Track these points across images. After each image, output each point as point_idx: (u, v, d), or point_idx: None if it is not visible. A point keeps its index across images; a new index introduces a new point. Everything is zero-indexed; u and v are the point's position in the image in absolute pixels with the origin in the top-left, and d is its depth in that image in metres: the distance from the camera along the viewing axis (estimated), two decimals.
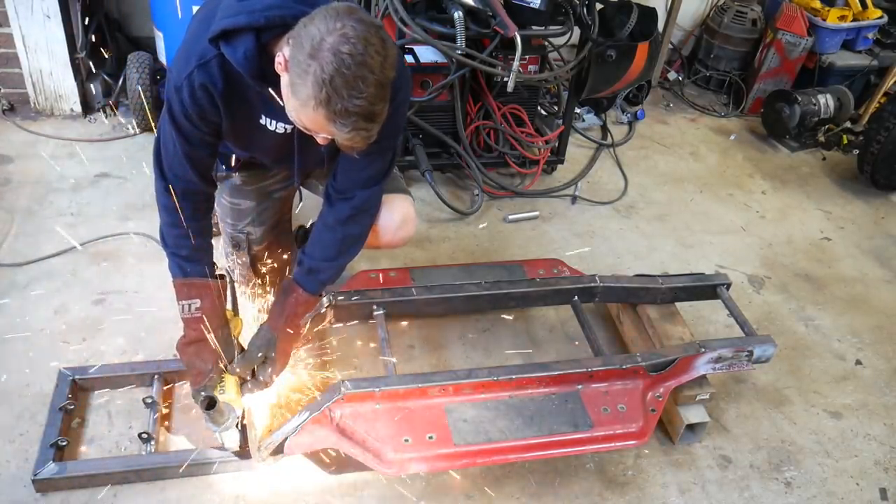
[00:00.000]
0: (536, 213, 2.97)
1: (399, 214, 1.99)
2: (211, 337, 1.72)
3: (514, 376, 1.88)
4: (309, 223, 2.29)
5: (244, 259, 2.13)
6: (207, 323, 1.72)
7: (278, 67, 1.43)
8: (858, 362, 2.48)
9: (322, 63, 1.31)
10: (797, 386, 2.35)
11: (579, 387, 1.92)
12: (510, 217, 2.93)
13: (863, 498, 2.03)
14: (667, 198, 3.21)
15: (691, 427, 2.06)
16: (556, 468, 1.98)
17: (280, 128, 1.70)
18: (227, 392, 1.74)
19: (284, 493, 1.83)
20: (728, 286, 2.30)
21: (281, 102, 1.50)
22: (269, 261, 2.14)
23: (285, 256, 2.17)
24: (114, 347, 2.13)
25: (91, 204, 2.67)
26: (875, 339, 2.59)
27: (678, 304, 2.29)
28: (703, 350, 1.97)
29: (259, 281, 2.14)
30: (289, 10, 1.44)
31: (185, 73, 1.53)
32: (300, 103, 1.38)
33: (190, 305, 1.73)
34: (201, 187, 1.71)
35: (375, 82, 1.34)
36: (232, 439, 1.79)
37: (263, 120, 1.69)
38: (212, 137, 1.66)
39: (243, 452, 1.83)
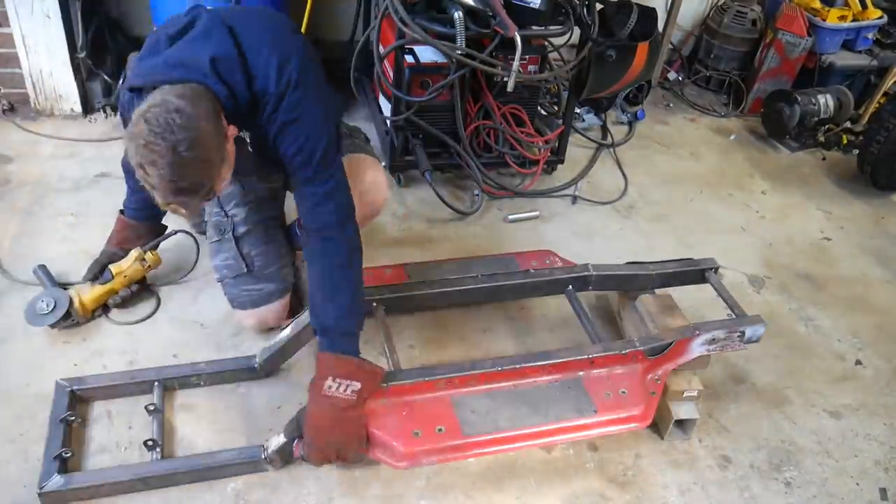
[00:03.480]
0: (536, 213, 2.97)
1: (366, 177, 2.10)
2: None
3: (517, 366, 1.93)
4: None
5: (231, 247, 2.12)
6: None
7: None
8: (858, 362, 2.48)
9: (132, 149, 1.51)
10: (797, 386, 2.35)
11: (581, 373, 1.97)
12: (510, 217, 2.93)
13: (863, 498, 2.03)
14: (667, 198, 3.22)
15: (680, 424, 2.06)
16: (556, 468, 1.98)
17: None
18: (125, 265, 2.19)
19: (285, 492, 1.83)
20: (716, 270, 2.35)
21: None
22: (255, 249, 2.14)
23: (272, 247, 2.18)
24: (114, 347, 2.13)
25: (91, 204, 2.67)
26: (875, 339, 2.59)
27: (677, 301, 2.29)
28: (697, 332, 2.01)
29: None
30: (164, 76, 1.61)
31: (125, 105, 1.78)
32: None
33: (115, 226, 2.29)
34: None
35: (173, 164, 1.48)
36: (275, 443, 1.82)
37: None
38: None
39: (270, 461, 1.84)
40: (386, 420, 1.79)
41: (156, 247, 2.27)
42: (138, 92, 1.68)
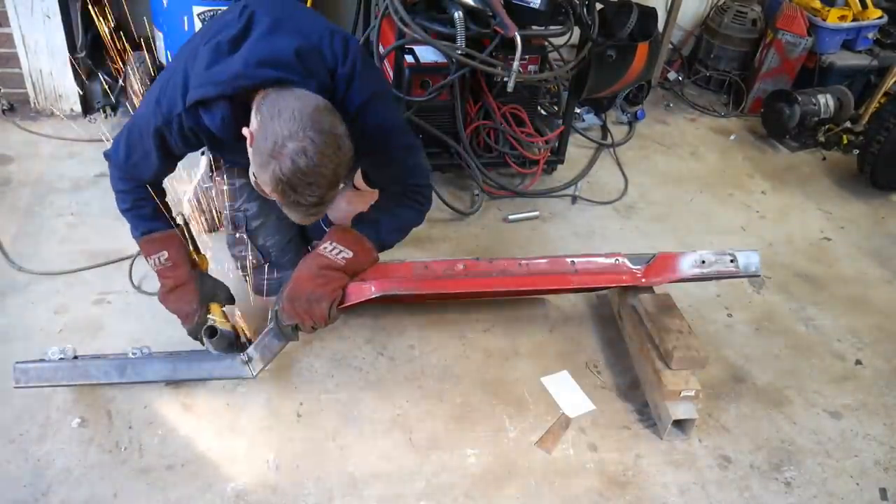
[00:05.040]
0: (536, 213, 2.97)
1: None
2: (186, 276, 1.92)
3: (499, 269, 1.98)
4: None
5: (245, 239, 2.17)
6: (179, 268, 1.90)
7: (247, 137, 1.58)
8: (858, 362, 2.48)
9: (281, 165, 1.47)
10: (797, 386, 2.35)
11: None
12: (510, 217, 2.93)
13: (863, 498, 2.03)
14: (667, 198, 3.21)
15: (679, 424, 2.06)
16: (556, 468, 1.98)
17: None
18: (218, 318, 1.96)
19: (284, 492, 1.83)
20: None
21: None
22: (270, 240, 2.18)
23: (286, 236, 2.21)
24: (114, 348, 2.13)
25: (91, 204, 2.67)
26: (875, 339, 2.59)
27: (676, 300, 2.28)
28: (684, 250, 2.02)
29: (265, 261, 2.19)
30: (252, 78, 1.59)
31: (176, 112, 1.68)
32: (260, 180, 1.56)
33: (159, 258, 1.90)
34: (155, 184, 1.93)
35: (327, 184, 1.52)
36: (256, 368, 1.93)
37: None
38: (187, 152, 1.86)
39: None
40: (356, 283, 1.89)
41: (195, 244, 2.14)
42: (204, 106, 1.62)
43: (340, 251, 1.81)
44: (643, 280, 1.97)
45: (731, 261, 2.00)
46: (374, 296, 1.84)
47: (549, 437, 2.07)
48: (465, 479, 1.92)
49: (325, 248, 1.81)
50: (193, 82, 1.65)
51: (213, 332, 1.92)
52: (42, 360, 1.91)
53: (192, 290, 1.93)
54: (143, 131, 1.76)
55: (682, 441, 2.09)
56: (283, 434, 1.97)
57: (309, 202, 1.53)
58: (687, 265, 1.98)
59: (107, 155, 1.89)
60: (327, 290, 1.78)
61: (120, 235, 2.49)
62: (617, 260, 2.02)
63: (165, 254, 1.90)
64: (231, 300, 2.07)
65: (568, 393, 2.20)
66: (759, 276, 2.02)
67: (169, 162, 1.87)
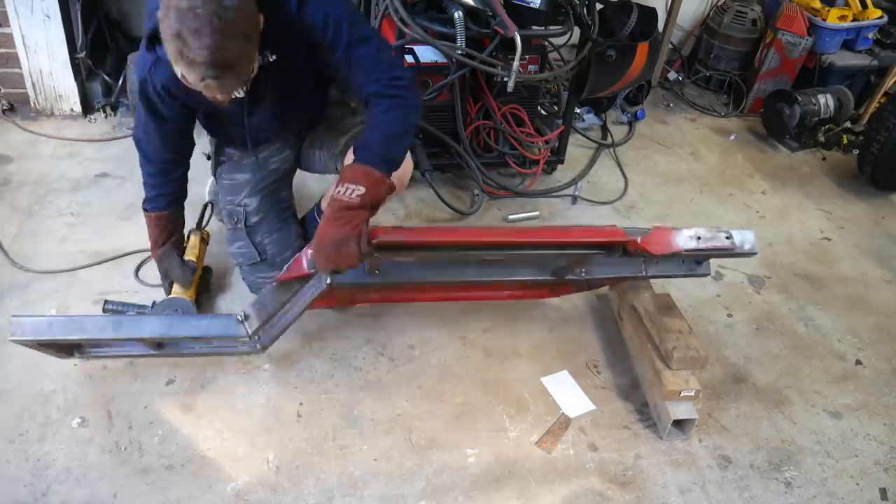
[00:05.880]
0: (536, 213, 2.97)
1: None
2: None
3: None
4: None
5: (243, 235, 2.21)
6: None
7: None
8: (858, 362, 2.48)
9: (168, 16, 1.50)
10: (797, 386, 2.35)
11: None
12: (510, 217, 2.93)
13: (863, 498, 2.03)
14: (667, 198, 3.21)
15: (679, 424, 2.06)
16: (556, 468, 1.98)
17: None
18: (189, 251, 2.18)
19: (284, 492, 1.83)
20: None
21: None
22: (268, 237, 2.21)
23: (284, 233, 2.24)
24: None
25: (91, 204, 2.67)
26: (875, 339, 2.59)
27: (676, 300, 2.28)
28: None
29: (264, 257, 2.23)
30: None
31: (146, 68, 1.81)
32: (172, 64, 1.57)
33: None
34: (177, 164, 2.08)
35: (211, 32, 1.49)
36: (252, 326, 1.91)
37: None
38: (182, 113, 1.95)
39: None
40: None
41: (204, 222, 2.36)
42: (158, 41, 1.61)
43: (353, 190, 1.78)
44: (641, 244, 1.97)
45: (727, 237, 2.02)
46: (387, 239, 1.83)
47: (549, 437, 2.07)
48: (465, 479, 1.92)
49: (337, 191, 1.79)
50: (146, 21, 1.70)
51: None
52: (39, 315, 1.94)
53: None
54: (137, 106, 1.91)
55: (682, 441, 2.09)
56: (283, 434, 1.97)
57: (201, 58, 1.51)
58: (682, 239, 1.99)
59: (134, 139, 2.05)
60: (348, 229, 1.75)
61: (120, 235, 2.52)
62: (614, 226, 2.03)
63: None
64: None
65: (568, 393, 2.20)
66: (755, 253, 2.03)
67: (166, 129, 1.97)
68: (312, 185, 2.82)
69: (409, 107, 1.88)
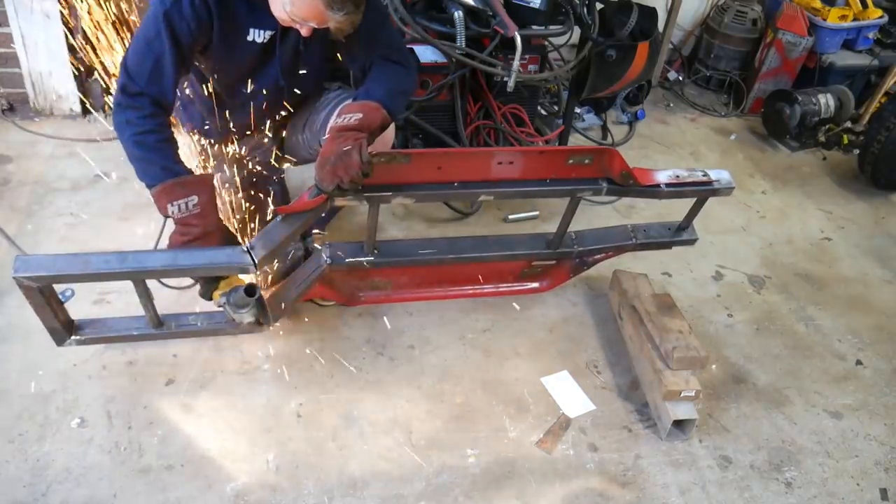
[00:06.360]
0: (536, 212, 2.97)
1: None
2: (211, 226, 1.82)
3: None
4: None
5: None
6: (208, 216, 1.81)
7: None
8: (859, 362, 2.48)
9: None
10: (797, 386, 2.35)
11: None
12: (510, 217, 2.93)
13: (863, 498, 2.02)
14: None
15: (679, 425, 2.06)
16: (556, 468, 1.98)
17: (264, 36, 1.93)
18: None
19: (285, 491, 1.83)
20: None
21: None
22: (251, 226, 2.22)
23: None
24: (113, 348, 2.13)
25: (91, 204, 2.67)
26: (875, 339, 2.59)
27: (676, 300, 2.29)
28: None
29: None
30: None
31: None
32: None
33: (187, 203, 1.77)
34: (166, 105, 1.82)
35: None
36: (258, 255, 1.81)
37: (251, 35, 1.91)
38: (199, 46, 1.86)
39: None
40: None
41: None
42: None
43: (350, 116, 1.87)
44: (631, 169, 2.08)
45: (703, 175, 2.16)
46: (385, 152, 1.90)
47: (549, 437, 2.07)
48: (464, 479, 1.92)
49: (335, 121, 1.88)
50: None
51: (252, 289, 1.82)
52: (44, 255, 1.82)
53: (217, 241, 1.83)
54: (152, 32, 1.74)
55: (683, 441, 2.09)
56: (283, 434, 1.97)
57: None
58: (663, 176, 2.13)
59: (120, 84, 1.79)
60: (349, 141, 1.81)
61: (120, 235, 2.51)
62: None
63: (195, 199, 1.77)
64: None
65: (568, 393, 2.20)
66: (732, 188, 2.18)
67: (180, 62, 1.80)
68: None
69: (409, 74, 2.09)
